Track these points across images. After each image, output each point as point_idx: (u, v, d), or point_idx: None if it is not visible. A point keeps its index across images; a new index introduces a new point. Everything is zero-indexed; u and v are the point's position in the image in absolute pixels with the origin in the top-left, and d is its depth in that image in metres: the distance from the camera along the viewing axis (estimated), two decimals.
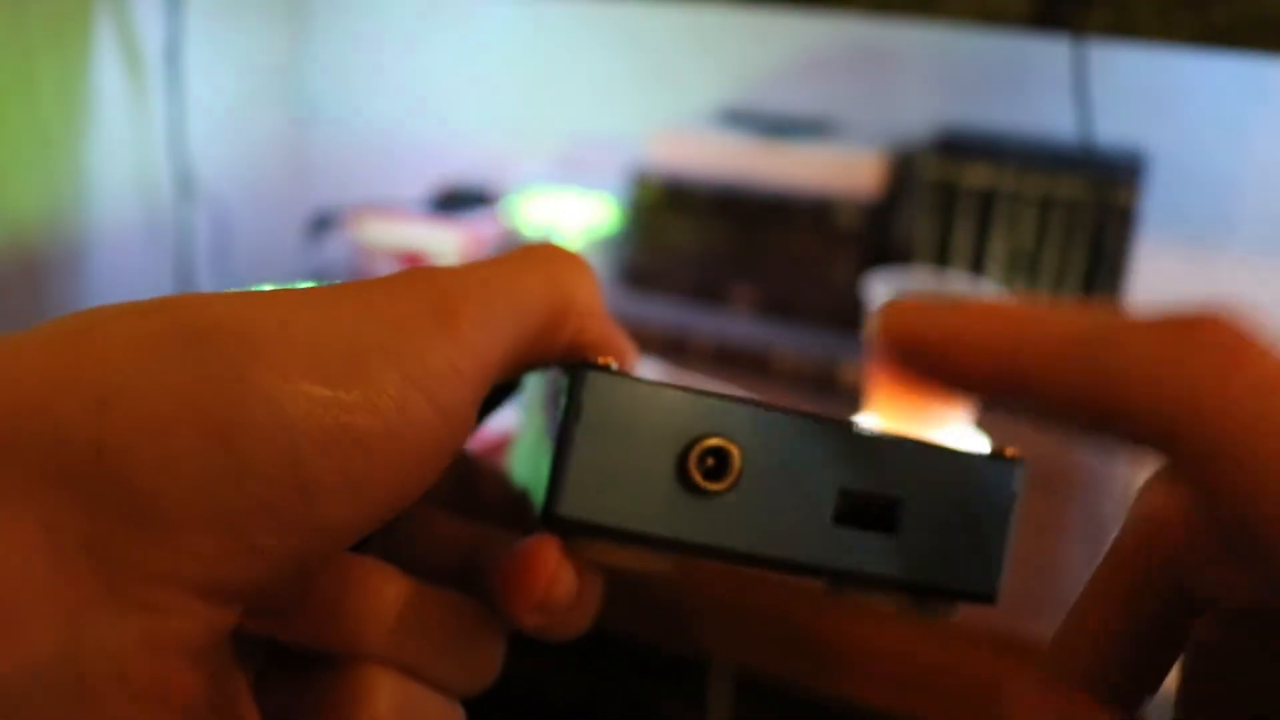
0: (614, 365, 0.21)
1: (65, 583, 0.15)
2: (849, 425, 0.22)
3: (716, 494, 0.21)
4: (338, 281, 0.20)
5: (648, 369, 0.89)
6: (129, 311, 0.18)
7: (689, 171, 1.01)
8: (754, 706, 0.82)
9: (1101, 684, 0.19)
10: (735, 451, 0.21)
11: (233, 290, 0.19)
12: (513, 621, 0.22)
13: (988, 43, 0.96)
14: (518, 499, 0.27)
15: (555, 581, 0.21)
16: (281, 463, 0.17)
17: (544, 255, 0.23)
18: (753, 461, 0.21)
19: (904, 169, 1.01)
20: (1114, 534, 0.20)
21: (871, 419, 0.79)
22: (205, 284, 1.11)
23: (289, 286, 0.19)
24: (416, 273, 0.20)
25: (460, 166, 1.22)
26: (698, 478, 0.21)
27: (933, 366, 0.18)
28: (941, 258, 0.89)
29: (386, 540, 0.24)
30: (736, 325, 0.98)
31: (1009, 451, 0.23)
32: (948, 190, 0.87)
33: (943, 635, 0.61)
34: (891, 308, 0.18)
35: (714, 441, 0.21)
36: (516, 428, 0.29)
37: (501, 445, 0.67)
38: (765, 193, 0.98)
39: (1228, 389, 0.14)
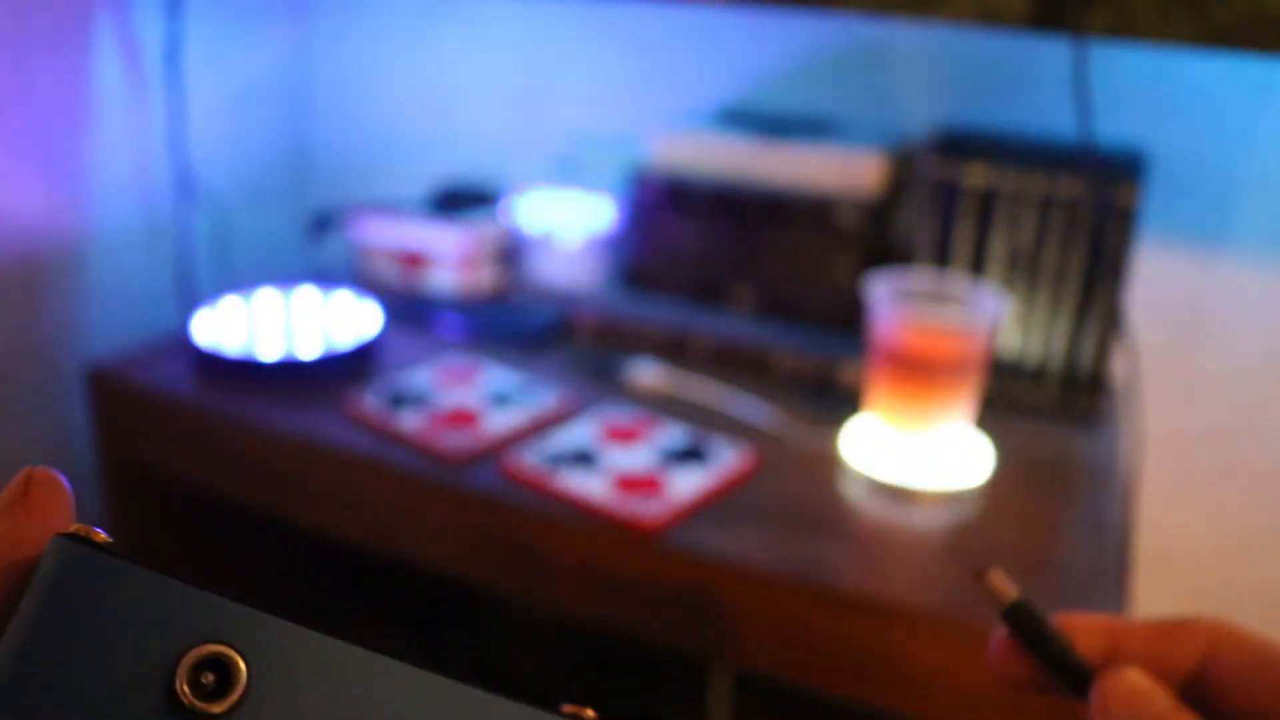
0: (103, 540, 0.19)
1: None
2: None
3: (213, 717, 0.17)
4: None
5: (648, 369, 0.89)
6: None
7: (689, 171, 1.01)
8: (754, 706, 0.82)
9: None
10: (240, 665, 0.18)
11: None
12: None
13: (988, 43, 0.96)
14: None
15: None
16: None
17: None
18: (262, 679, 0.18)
19: (904, 169, 1.01)
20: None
21: None
22: (205, 284, 1.11)
23: None
24: None
25: (460, 166, 1.22)
26: (188, 694, 0.17)
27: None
28: (941, 258, 0.89)
29: None
30: (736, 325, 0.98)
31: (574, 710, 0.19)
32: (948, 190, 0.87)
33: (942, 636, 0.61)
34: None
35: (214, 649, 0.17)
36: None
37: None
38: (765, 193, 0.98)
39: None
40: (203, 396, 0.84)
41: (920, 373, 0.75)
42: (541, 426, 0.80)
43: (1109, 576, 0.66)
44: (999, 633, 0.28)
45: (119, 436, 0.89)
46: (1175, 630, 0.27)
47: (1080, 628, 0.27)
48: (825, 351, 0.91)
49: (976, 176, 0.86)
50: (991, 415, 0.85)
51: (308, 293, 0.97)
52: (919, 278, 0.80)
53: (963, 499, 0.74)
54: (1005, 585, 0.27)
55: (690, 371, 0.91)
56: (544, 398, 0.84)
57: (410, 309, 1.01)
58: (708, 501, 0.71)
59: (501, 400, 0.83)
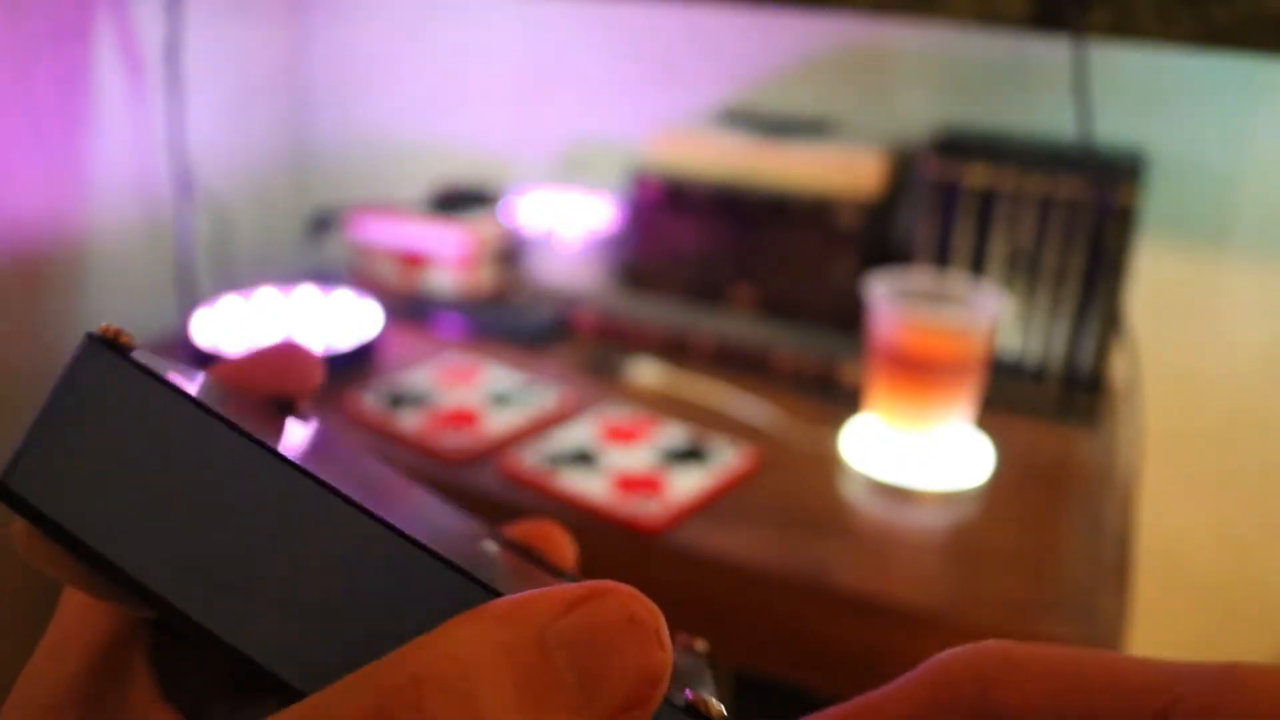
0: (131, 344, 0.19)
1: None
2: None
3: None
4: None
5: (648, 369, 0.89)
6: None
7: (689, 171, 1.01)
8: (754, 706, 0.82)
9: None
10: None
11: None
12: None
13: (988, 43, 0.96)
14: None
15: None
16: None
17: None
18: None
19: (904, 169, 1.01)
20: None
21: None
22: (205, 284, 1.11)
23: None
24: None
25: (460, 166, 1.22)
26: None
27: None
28: (941, 258, 0.89)
29: None
30: (736, 325, 0.98)
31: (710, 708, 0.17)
32: (948, 190, 0.87)
33: (944, 636, 0.61)
34: None
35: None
36: None
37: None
38: (765, 193, 0.98)
39: None
40: None
41: (920, 373, 0.75)
42: (541, 426, 0.80)
43: (1109, 576, 0.66)
44: None
45: None
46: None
47: None
48: (825, 351, 0.91)
49: (976, 176, 0.86)
50: (991, 415, 0.85)
51: (308, 293, 0.97)
52: (919, 278, 0.80)
53: (962, 499, 0.74)
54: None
55: (690, 371, 0.91)
56: (544, 398, 0.84)
57: (410, 309, 1.01)
58: (708, 501, 0.71)
59: (501, 400, 0.83)
